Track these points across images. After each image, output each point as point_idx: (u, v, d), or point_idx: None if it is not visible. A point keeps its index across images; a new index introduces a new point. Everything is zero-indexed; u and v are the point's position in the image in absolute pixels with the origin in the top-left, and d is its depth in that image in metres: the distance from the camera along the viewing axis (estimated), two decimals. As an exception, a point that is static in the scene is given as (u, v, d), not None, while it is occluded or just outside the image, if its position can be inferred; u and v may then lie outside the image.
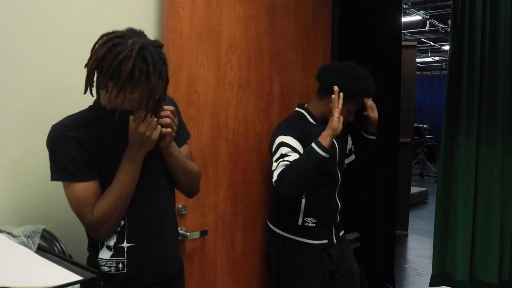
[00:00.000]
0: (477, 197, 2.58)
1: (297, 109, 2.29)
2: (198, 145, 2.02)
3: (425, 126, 11.14)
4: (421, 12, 9.45)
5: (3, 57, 1.57)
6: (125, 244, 1.46)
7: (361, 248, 3.75)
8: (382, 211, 3.61)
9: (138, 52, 1.27)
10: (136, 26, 1.92)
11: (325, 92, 2.19)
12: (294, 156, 2.02)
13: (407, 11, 9.16)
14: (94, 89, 1.37)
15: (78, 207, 1.40)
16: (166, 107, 1.44)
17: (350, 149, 2.45)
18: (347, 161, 2.43)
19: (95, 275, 1.02)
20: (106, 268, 1.44)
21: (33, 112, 1.64)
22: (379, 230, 3.64)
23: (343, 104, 2.09)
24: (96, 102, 1.48)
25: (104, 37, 1.33)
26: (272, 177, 2.04)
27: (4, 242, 1.24)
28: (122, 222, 1.46)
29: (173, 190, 1.64)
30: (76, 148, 1.38)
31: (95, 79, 1.33)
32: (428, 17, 9.76)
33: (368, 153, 2.46)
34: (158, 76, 1.31)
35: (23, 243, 1.24)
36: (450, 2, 2.70)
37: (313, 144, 1.99)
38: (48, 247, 1.38)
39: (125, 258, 1.46)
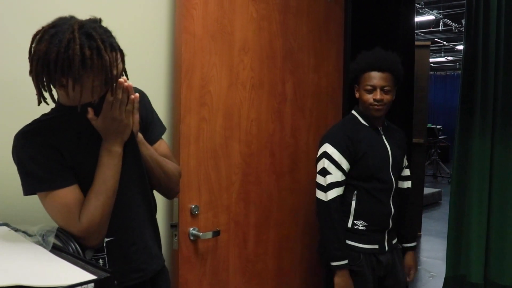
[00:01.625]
0: (491, 198, 2.56)
1: (353, 111, 2.30)
2: (211, 146, 2.03)
3: (438, 126, 11.08)
4: (435, 11, 9.39)
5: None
6: (104, 239, 1.35)
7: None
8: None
9: (80, 31, 1.16)
10: (149, 27, 1.95)
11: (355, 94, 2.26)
12: (334, 174, 2.11)
13: (420, 11, 9.11)
14: (47, 93, 1.25)
15: (62, 217, 1.28)
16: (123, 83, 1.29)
17: (405, 166, 2.39)
18: (400, 185, 2.35)
19: (109, 275, 1.02)
20: None
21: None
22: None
23: (359, 87, 2.18)
24: (57, 103, 1.33)
25: (37, 36, 1.21)
26: (316, 187, 2.16)
27: (19, 241, 1.25)
28: None
29: (148, 187, 1.48)
30: (47, 153, 1.26)
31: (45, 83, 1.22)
32: (441, 16, 9.70)
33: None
34: (111, 49, 1.21)
35: (38, 242, 1.25)
36: (464, 2, 2.68)
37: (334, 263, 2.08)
38: (63, 246, 1.38)
39: (105, 253, 1.35)
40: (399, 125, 3.36)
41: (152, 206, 1.51)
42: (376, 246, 2.18)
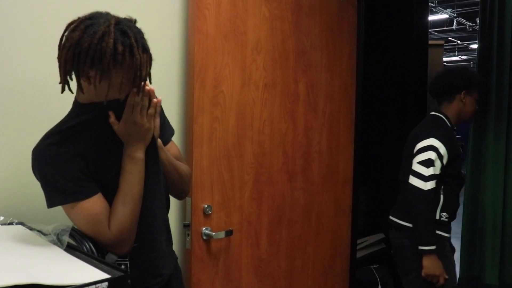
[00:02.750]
0: (506, 198, 2.54)
1: (436, 113, 2.50)
2: (223, 145, 2.03)
3: (451, 126, 10.96)
4: (448, 10, 9.32)
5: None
6: None
7: (387, 249, 3.72)
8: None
9: (115, 27, 1.17)
10: (162, 27, 1.96)
11: (453, 95, 2.44)
12: (437, 167, 2.28)
13: (434, 10, 9.05)
14: (71, 83, 1.24)
15: (92, 227, 1.27)
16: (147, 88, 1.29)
17: None
18: None
19: (123, 274, 1.03)
20: None
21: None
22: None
23: (470, 95, 2.42)
24: (76, 103, 1.33)
25: (72, 25, 1.20)
26: (413, 175, 2.31)
27: (34, 240, 1.27)
28: None
29: (164, 191, 1.50)
30: (72, 163, 1.24)
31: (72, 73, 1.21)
32: (455, 15, 9.62)
33: None
34: (142, 49, 1.20)
35: (53, 241, 1.25)
36: (478, 0, 2.66)
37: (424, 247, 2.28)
38: (77, 245, 1.39)
39: (127, 259, 1.33)
40: (411, 125, 3.34)
41: (166, 209, 1.52)
42: (450, 235, 2.43)
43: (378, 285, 3.33)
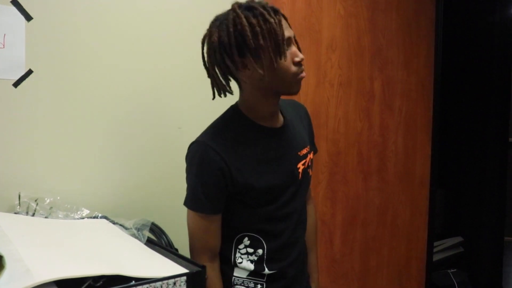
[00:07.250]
0: None
1: None
2: (297, 144, 2.03)
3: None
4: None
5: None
6: (266, 272, 1.29)
7: (465, 253, 3.57)
8: (488, 214, 3.41)
9: (239, 9, 1.16)
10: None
11: None
12: None
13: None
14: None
15: (191, 235, 1.26)
16: None
17: None
18: None
19: (200, 269, 1.05)
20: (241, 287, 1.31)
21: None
22: (485, 235, 3.45)
23: None
24: (236, 109, 1.29)
25: (205, 37, 1.22)
26: None
27: (117, 234, 1.32)
28: (260, 251, 1.28)
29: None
30: (216, 181, 1.20)
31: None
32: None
33: None
34: (274, 12, 1.16)
35: (133, 235, 1.30)
36: None
37: None
38: (156, 240, 1.44)
39: (264, 280, 1.30)
40: (494, 123, 3.18)
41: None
42: None
43: (455, 291, 3.21)
